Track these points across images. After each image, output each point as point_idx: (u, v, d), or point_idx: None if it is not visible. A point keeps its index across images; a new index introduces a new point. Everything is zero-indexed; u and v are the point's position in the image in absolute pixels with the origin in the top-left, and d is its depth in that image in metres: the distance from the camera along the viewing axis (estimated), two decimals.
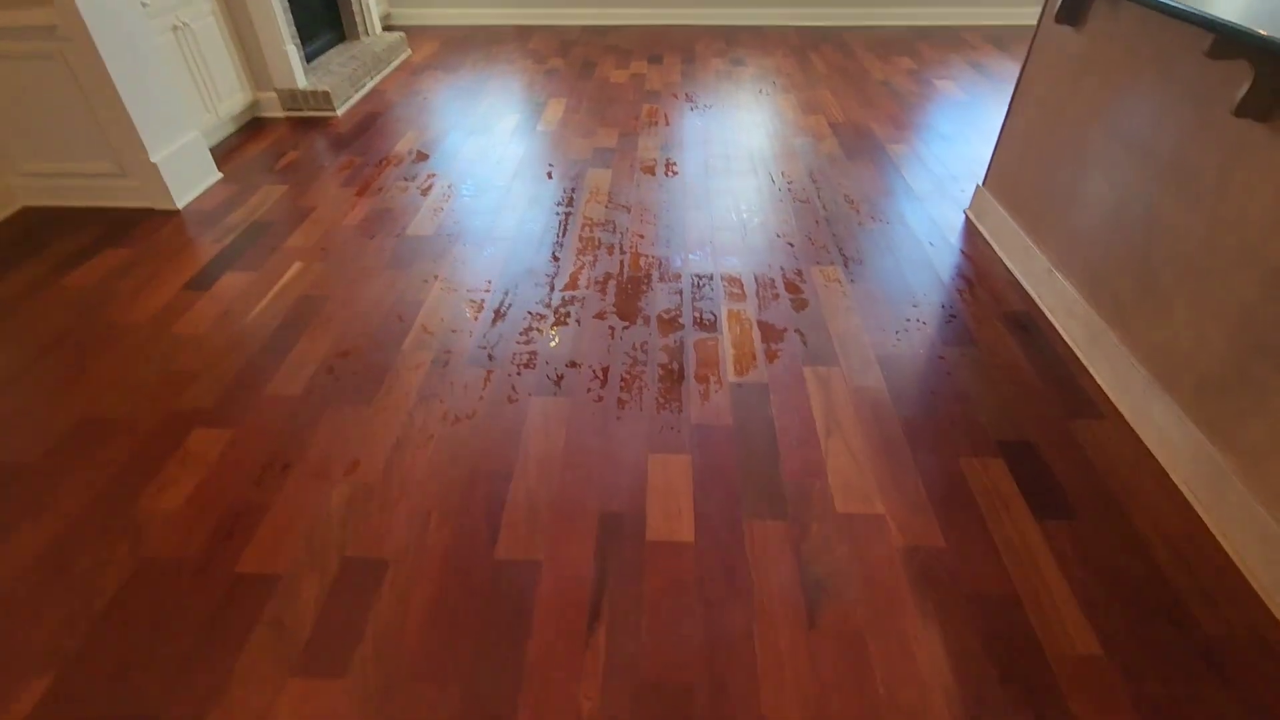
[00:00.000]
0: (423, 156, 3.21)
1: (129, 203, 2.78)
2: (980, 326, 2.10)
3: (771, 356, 1.99)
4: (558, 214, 2.73)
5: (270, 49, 3.48)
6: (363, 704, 1.22)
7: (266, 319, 2.15)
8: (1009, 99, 2.45)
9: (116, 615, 1.35)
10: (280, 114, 3.68)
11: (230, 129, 3.48)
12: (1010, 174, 2.44)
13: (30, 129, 2.61)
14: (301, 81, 3.62)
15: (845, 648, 1.30)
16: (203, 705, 1.22)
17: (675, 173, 3.05)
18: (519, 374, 1.94)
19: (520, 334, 2.09)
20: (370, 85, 4.09)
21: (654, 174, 3.04)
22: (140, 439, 1.74)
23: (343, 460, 1.68)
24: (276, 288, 2.30)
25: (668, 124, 3.55)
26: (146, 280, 2.34)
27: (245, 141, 3.38)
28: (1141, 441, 1.71)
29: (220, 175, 3.03)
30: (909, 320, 2.13)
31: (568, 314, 2.17)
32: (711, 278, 2.34)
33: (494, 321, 2.14)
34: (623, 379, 1.92)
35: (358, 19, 4.36)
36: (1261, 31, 1.25)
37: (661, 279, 2.34)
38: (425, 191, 2.90)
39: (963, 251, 2.47)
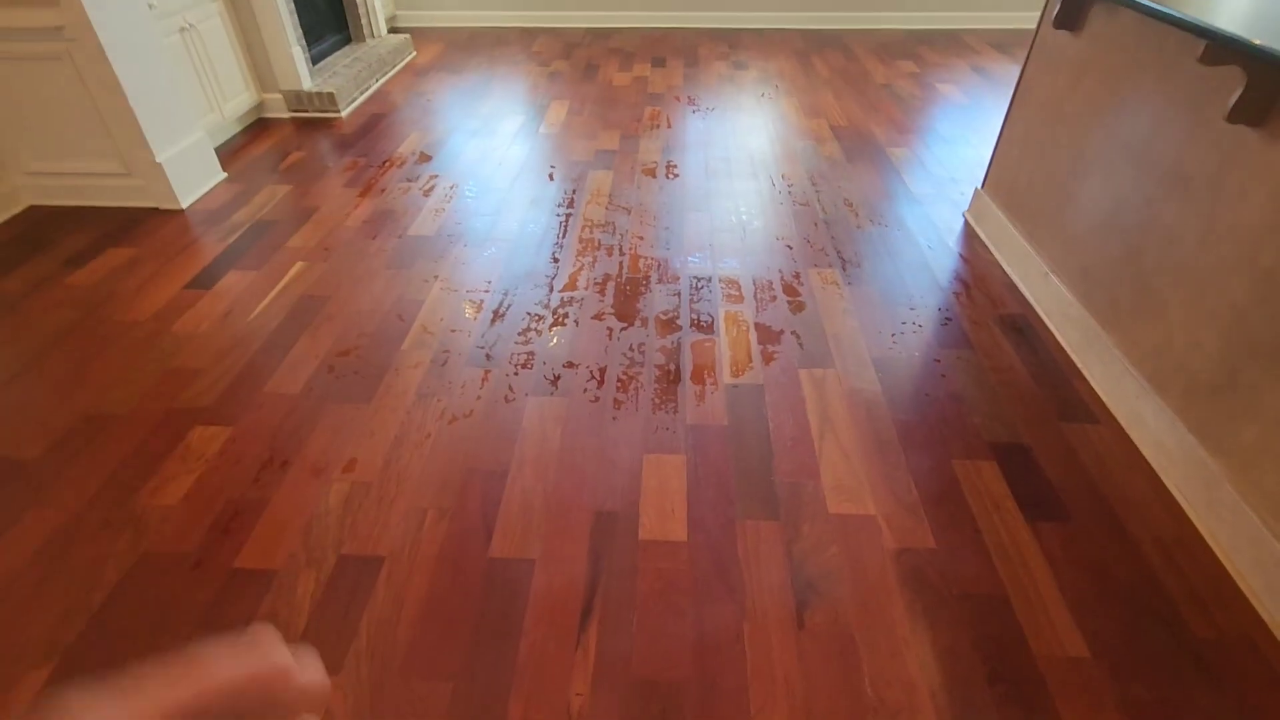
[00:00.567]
0: (425, 158, 3.24)
1: (134, 202, 2.81)
2: (976, 329, 2.10)
3: (768, 358, 2.00)
4: (558, 215, 2.75)
5: (276, 51, 3.51)
6: (356, 700, 1.23)
7: (268, 318, 2.18)
8: (1008, 102, 2.46)
9: (116, 608, 1.37)
10: (285, 115, 3.71)
11: (236, 129, 3.51)
12: (1008, 177, 2.44)
13: (37, 129, 2.64)
14: (307, 83, 3.65)
15: (835, 648, 1.30)
16: None
17: (676, 175, 3.06)
18: (516, 374, 1.95)
19: (519, 334, 2.10)
20: (375, 87, 4.12)
21: (655, 176, 3.06)
22: (141, 435, 1.76)
23: (341, 458, 1.70)
24: (278, 287, 2.32)
25: (669, 126, 3.56)
26: (150, 279, 2.37)
27: (250, 142, 3.41)
28: (1134, 445, 1.71)
29: (225, 175, 3.06)
30: (905, 323, 2.14)
31: (566, 315, 2.19)
32: (710, 280, 2.35)
33: (493, 321, 2.16)
34: (619, 380, 1.93)
35: (363, 21, 4.39)
36: (1256, 41, 1.26)
37: (660, 281, 2.35)
38: (427, 192, 2.92)
39: (960, 255, 2.48)
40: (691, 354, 2.02)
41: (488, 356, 2.02)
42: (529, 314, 2.19)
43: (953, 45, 4.80)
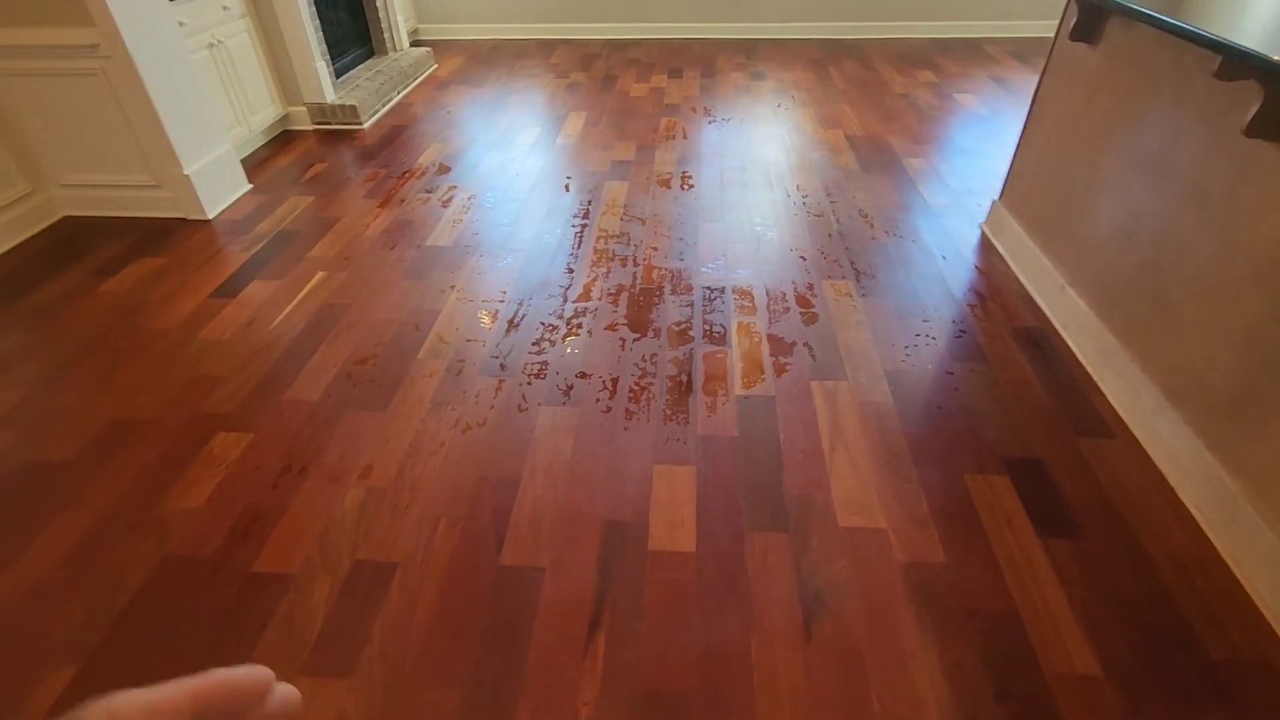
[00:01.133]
0: (444, 169, 3.29)
1: (163, 213, 2.89)
2: (991, 342, 2.09)
3: (779, 370, 2.01)
4: (574, 226, 2.78)
5: (301, 65, 3.60)
6: (368, 703, 1.26)
7: (289, 326, 2.23)
8: (1026, 113, 2.45)
9: (138, 611, 1.41)
10: (309, 127, 3.80)
11: (261, 141, 3.60)
12: (1026, 189, 2.43)
13: (72, 142, 2.73)
14: (330, 96, 3.74)
15: (842, 661, 1.30)
16: None
17: (691, 186, 3.09)
18: (530, 383, 1.98)
19: (533, 344, 2.13)
20: (396, 99, 4.20)
21: (670, 187, 3.08)
22: (167, 440, 1.81)
23: (357, 465, 1.73)
24: (300, 296, 2.38)
25: (685, 137, 3.59)
26: (177, 287, 2.44)
27: (275, 153, 3.50)
28: (1151, 461, 1.69)
29: (250, 186, 3.14)
30: (919, 335, 2.13)
31: (580, 325, 2.21)
32: (723, 291, 2.36)
33: (507, 331, 2.19)
34: (631, 390, 1.95)
35: (386, 35, 4.48)
36: (1276, 57, 1.25)
37: (673, 291, 2.37)
38: (445, 203, 2.97)
39: (976, 267, 2.46)
40: (703, 365, 2.03)
41: (502, 366, 2.05)
42: (543, 324, 2.22)
43: (972, 54, 4.78)
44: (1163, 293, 1.72)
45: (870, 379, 1.97)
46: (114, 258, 2.62)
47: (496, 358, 2.08)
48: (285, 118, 3.76)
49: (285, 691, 0.30)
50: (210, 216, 2.89)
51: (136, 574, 1.48)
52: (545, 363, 2.06)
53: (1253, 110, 1.40)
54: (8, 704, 1.26)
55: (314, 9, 3.57)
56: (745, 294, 2.35)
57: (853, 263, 2.51)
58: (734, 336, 2.15)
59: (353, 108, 3.72)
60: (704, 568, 1.48)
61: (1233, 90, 1.52)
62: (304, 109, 3.74)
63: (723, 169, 3.24)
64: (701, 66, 4.70)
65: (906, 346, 2.09)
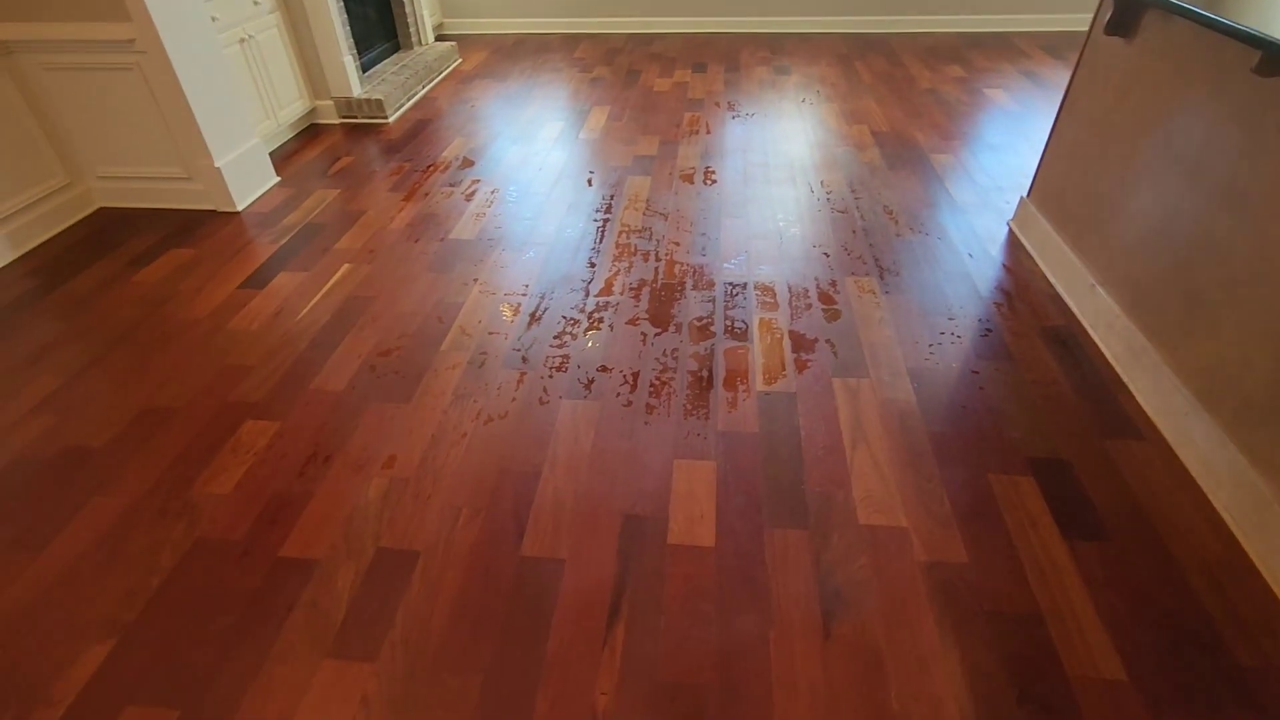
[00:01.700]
0: (468, 163, 3.32)
1: (194, 205, 2.95)
2: (1017, 341, 2.06)
3: (801, 366, 2.00)
4: (596, 220, 2.79)
5: (329, 59, 3.64)
6: (390, 688, 1.28)
7: (316, 317, 2.26)
8: (1057, 109, 2.40)
9: (171, 591, 1.45)
10: (336, 121, 3.85)
11: (289, 135, 3.66)
12: (1055, 186, 2.39)
13: (108, 135, 2.80)
14: (357, 90, 3.78)
15: (860, 659, 1.30)
16: (244, 680, 1.30)
17: (714, 181, 3.08)
18: (551, 376, 1.99)
19: (554, 337, 2.15)
20: (421, 93, 4.24)
21: (693, 182, 3.07)
22: (197, 428, 1.85)
23: (380, 455, 1.76)
24: (326, 287, 2.41)
25: (709, 132, 3.58)
26: (208, 278, 2.49)
27: (302, 147, 3.55)
28: (1181, 464, 1.66)
29: (278, 179, 3.19)
30: (943, 333, 2.11)
31: (601, 319, 2.22)
32: (745, 286, 2.36)
33: (529, 325, 2.21)
34: (652, 384, 1.95)
35: (411, 30, 4.52)
36: None
37: (695, 287, 2.36)
38: (469, 197, 3.00)
39: (1004, 265, 2.43)
40: (724, 360, 2.03)
41: (523, 359, 2.06)
42: (565, 318, 2.23)
43: (1003, 48, 4.70)
44: (1197, 293, 1.68)
45: (893, 376, 1.95)
46: (147, 249, 2.68)
47: (518, 350, 2.10)
48: (313, 111, 3.81)
49: None
50: (240, 209, 2.94)
51: (169, 556, 1.52)
52: (566, 356, 2.07)
53: None
54: (46, 677, 1.31)
55: (342, 4, 3.62)
56: (767, 290, 2.34)
57: (877, 259, 2.49)
58: (755, 332, 2.14)
59: (379, 102, 3.76)
60: (723, 562, 1.48)
61: (1273, 86, 1.48)
62: (331, 103, 3.79)
63: (746, 164, 3.22)
64: (726, 61, 4.68)
65: (931, 344, 2.07)
